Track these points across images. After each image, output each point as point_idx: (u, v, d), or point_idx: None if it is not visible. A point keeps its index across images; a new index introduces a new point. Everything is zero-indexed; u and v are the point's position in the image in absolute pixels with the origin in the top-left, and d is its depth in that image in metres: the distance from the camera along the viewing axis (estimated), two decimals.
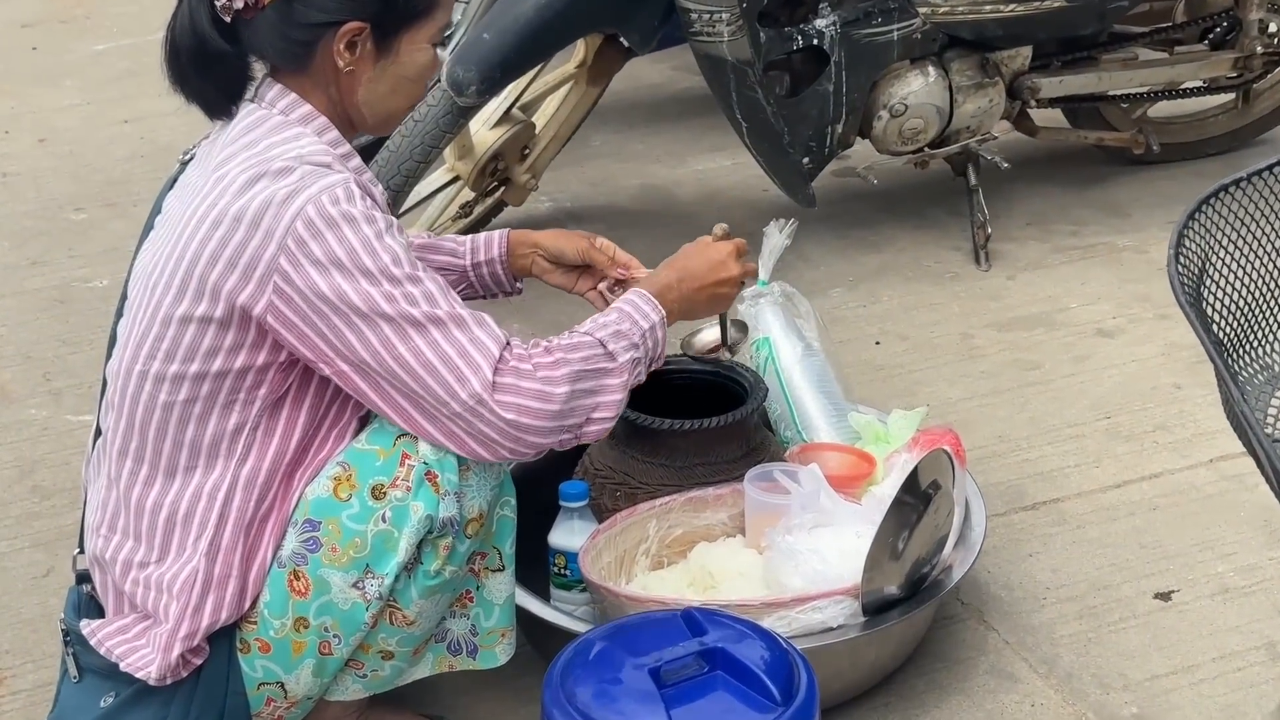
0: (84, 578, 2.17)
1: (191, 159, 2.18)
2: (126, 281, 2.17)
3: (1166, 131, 3.76)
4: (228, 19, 2.01)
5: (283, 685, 2.12)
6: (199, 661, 2.06)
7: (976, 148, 3.43)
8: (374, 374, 1.99)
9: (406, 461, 2.04)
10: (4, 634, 2.55)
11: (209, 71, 2.05)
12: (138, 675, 2.04)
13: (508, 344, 1.99)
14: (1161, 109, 3.77)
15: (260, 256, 1.95)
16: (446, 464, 2.05)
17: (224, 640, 2.08)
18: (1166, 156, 3.73)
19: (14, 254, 3.55)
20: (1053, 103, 3.57)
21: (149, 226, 2.19)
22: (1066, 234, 3.55)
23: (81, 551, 2.18)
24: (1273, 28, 3.64)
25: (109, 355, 2.18)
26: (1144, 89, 3.62)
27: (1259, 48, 3.62)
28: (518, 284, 2.46)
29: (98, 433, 2.18)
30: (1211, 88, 3.70)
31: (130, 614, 2.10)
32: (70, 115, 4.12)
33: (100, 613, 2.15)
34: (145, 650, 2.06)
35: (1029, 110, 3.54)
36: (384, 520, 2.03)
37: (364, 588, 2.06)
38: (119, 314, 2.18)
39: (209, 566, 2.04)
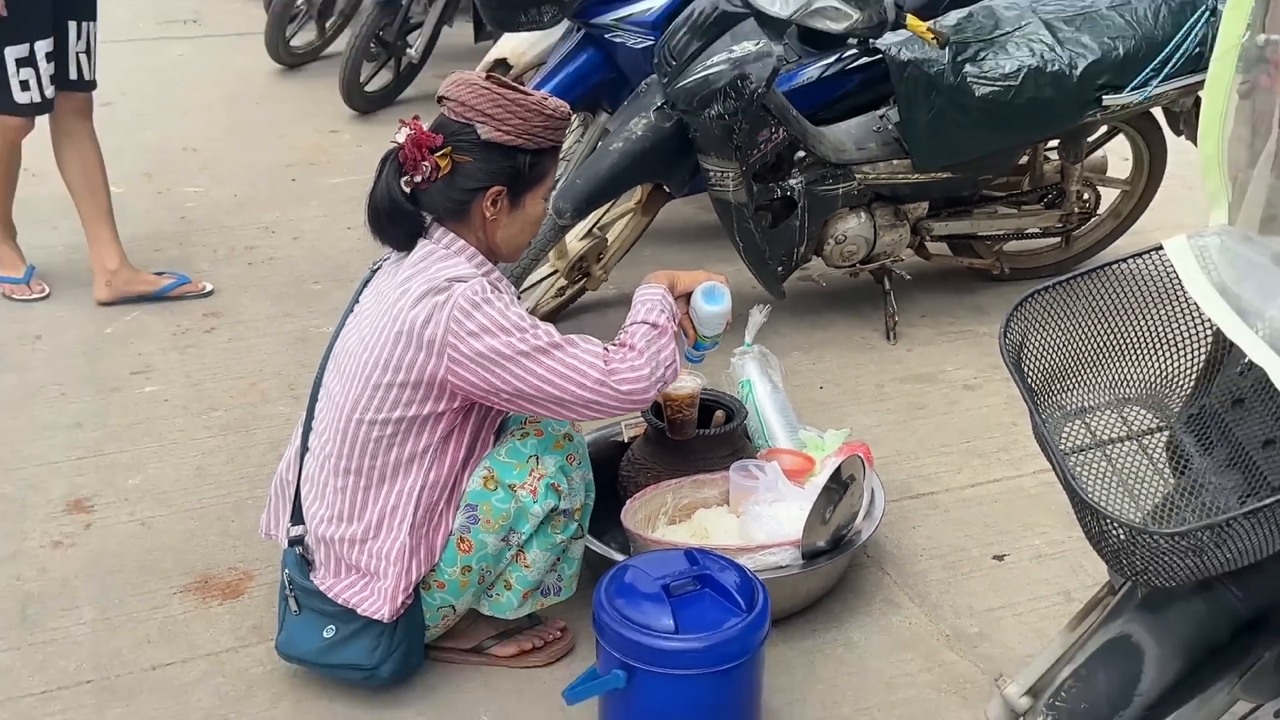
0: (294, 541, 2.15)
1: (379, 269, 2.18)
2: (331, 344, 2.19)
3: (1014, 260, 3.76)
4: (408, 190, 2.04)
5: (454, 607, 2.16)
6: (410, 603, 2.09)
7: (890, 265, 3.44)
8: (530, 395, 1.99)
9: (533, 473, 2.08)
10: (251, 548, 2.57)
11: (397, 223, 2.07)
12: (374, 616, 2.07)
13: (604, 349, 2.01)
14: (1011, 245, 3.76)
15: (435, 339, 1.96)
16: (562, 479, 2.10)
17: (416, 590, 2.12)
18: (1014, 276, 3.72)
19: (274, 308, 3.60)
20: (941, 238, 3.57)
21: (349, 310, 2.20)
22: (947, 323, 3.55)
23: (293, 525, 2.15)
24: (1085, 195, 3.64)
25: (314, 395, 2.18)
26: (1000, 232, 3.61)
27: (1076, 208, 3.63)
28: None
29: (304, 448, 2.17)
30: (1045, 233, 3.70)
31: (352, 574, 2.11)
32: (315, 221, 4.17)
33: (309, 565, 2.15)
34: (373, 599, 2.08)
35: (925, 243, 3.54)
36: (517, 502, 2.07)
37: (509, 540, 2.10)
38: (323, 364, 2.19)
39: (409, 541, 2.07)
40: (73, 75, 3.41)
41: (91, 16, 3.43)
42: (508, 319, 1.97)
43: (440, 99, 2.07)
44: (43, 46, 3.28)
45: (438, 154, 2.01)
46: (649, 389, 2.01)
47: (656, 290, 2.14)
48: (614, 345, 2.04)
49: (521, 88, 2.06)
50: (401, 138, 2.03)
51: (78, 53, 3.40)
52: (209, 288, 3.68)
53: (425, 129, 2.03)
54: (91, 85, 3.50)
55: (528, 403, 2.01)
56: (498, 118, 2.01)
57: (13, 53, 3.25)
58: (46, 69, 3.31)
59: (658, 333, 2.06)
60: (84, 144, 3.53)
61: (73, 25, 3.37)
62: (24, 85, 3.29)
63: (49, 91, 3.34)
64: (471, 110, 2.01)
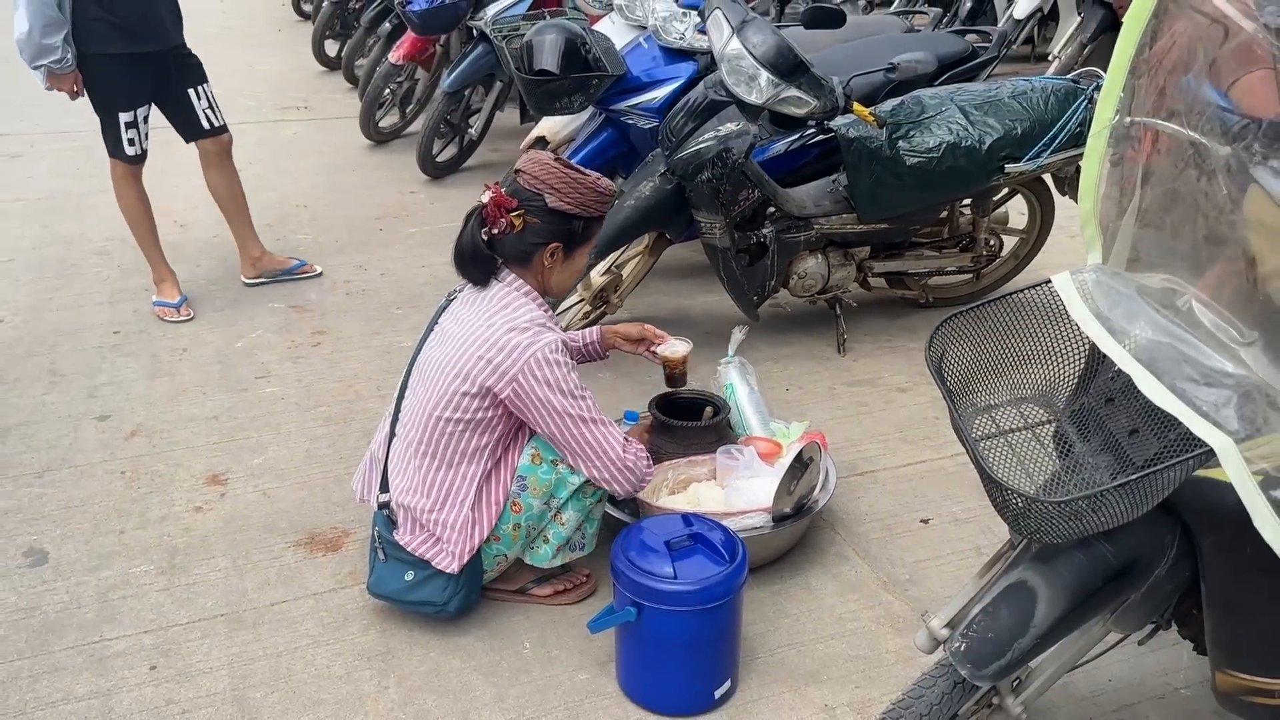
0: (382, 505, 2.15)
1: (455, 298, 2.18)
2: (415, 355, 2.19)
3: (937, 291, 3.75)
4: (487, 238, 2.05)
5: (505, 555, 2.15)
6: (472, 556, 2.09)
7: (840, 295, 3.43)
8: (559, 441, 2.02)
9: None
10: (348, 512, 2.57)
11: (477, 264, 2.08)
12: (444, 569, 2.07)
13: (625, 439, 2.05)
14: (934, 280, 3.74)
15: (510, 371, 1.97)
16: None
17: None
18: (936, 304, 3.72)
19: (365, 328, 3.58)
20: (880, 275, 3.55)
21: (430, 328, 2.19)
22: (884, 339, 3.54)
23: (381, 492, 2.16)
24: (992, 241, 3.63)
25: (400, 394, 2.18)
26: (925, 269, 3.60)
27: (984, 251, 3.62)
28: (606, 355, 2.44)
29: (391, 435, 2.17)
30: (960, 270, 3.68)
31: (425, 533, 2.10)
32: (397, 261, 4.14)
33: (393, 524, 2.14)
34: (443, 556, 2.08)
35: (868, 278, 3.53)
36: (557, 473, 2.06)
37: (550, 504, 2.10)
38: (408, 371, 2.19)
39: (472, 514, 2.07)
40: (205, 126, 3.56)
41: (204, 80, 3.54)
42: (568, 384, 1.99)
43: (517, 171, 2.07)
44: (142, 112, 3.41)
45: (513, 214, 2.02)
46: (643, 483, 2.08)
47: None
48: (633, 441, 2.07)
49: (581, 169, 2.07)
50: (485, 198, 2.04)
51: (203, 110, 3.54)
52: (319, 269, 3.96)
53: (503, 193, 2.04)
54: (224, 129, 3.62)
55: (553, 443, 2.04)
56: (562, 191, 2.02)
57: (124, 117, 3.38)
58: (144, 129, 3.44)
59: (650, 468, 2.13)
60: (228, 173, 3.68)
61: (191, 92, 3.50)
62: (130, 141, 3.41)
63: (146, 145, 3.46)
64: (542, 184, 2.02)
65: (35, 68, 3.17)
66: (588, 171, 2.07)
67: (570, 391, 1.98)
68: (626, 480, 2.04)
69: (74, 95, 3.31)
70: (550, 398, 1.97)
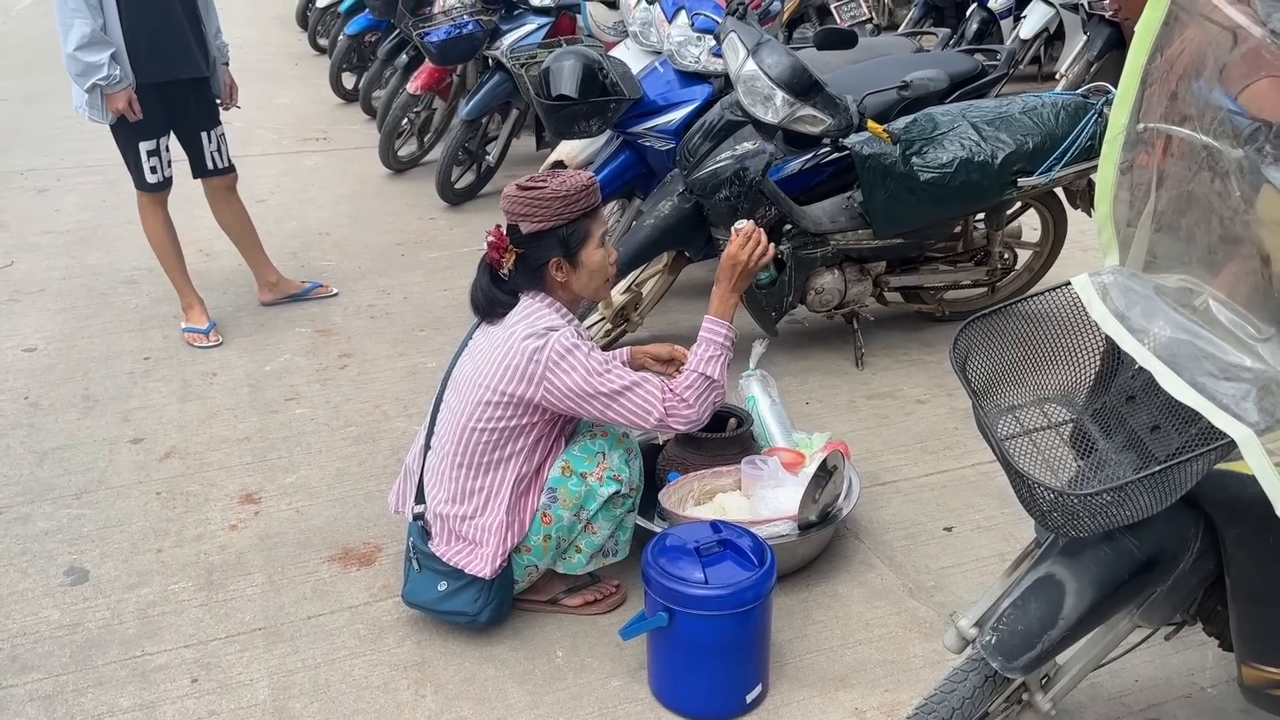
0: (417, 516, 2.19)
1: None
2: (448, 373, 2.23)
3: (952, 305, 3.76)
4: (504, 279, 2.11)
5: (536, 566, 2.18)
6: (504, 565, 2.13)
7: (858, 310, 3.46)
8: (608, 418, 2.04)
9: (600, 465, 2.12)
10: (380, 528, 2.61)
11: (494, 307, 2.13)
12: (477, 575, 2.10)
13: (663, 395, 2.03)
14: (949, 294, 3.75)
15: (536, 374, 2.01)
16: (624, 470, 2.13)
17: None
18: (952, 318, 3.72)
19: (390, 350, 3.62)
20: (896, 289, 3.58)
21: (464, 345, 2.23)
22: (901, 353, 3.55)
23: (416, 504, 2.20)
24: (1006, 255, 3.66)
25: (435, 408, 2.22)
26: (941, 284, 3.62)
27: (999, 265, 3.64)
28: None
29: (426, 446, 2.21)
30: (975, 284, 3.70)
31: (460, 543, 2.14)
32: (419, 285, 4.20)
33: (428, 534, 2.18)
34: (477, 562, 2.11)
35: (884, 292, 3.55)
36: (587, 486, 2.10)
37: (580, 516, 2.13)
38: (443, 386, 2.23)
39: (506, 518, 2.10)
40: (209, 167, 3.69)
41: (217, 123, 3.67)
42: (591, 364, 2.02)
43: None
44: (164, 142, 3.48)
45: (506, 251, 2.08)
46: (699, 423, 2.07)
47: (720, 332, 2.11)
48: (671, 390, 2.03)
49: (540, 183, 2.07)
50: (487, 244, 2.11)
51: (211, 152, 3.67)
52: (335, 290, 4.09)
53: (502, 232, 2.11)
54: (230, 169, 3.73)
55: (606, 421, 2.07)
56: (527, 214, 2.06)
57: (145, 146, 3.47)
58: (166, 156, 3.53)
59: (709, 385, 2.07)
60: (235, 206, 3.81)
61: (204, 134, 3.64)
62: (152, 169, 3.50)
63: (169, 172, 3.53)
64: (512, 214, 2.08)
65: (87, 89, 3.25)
66: (547, 180, 2.07)
67: (595, 370, 2.01)
68: (680, 423, 2.03)
69: (133, 116, 3.34)
70: (577, 385, 2.01)
